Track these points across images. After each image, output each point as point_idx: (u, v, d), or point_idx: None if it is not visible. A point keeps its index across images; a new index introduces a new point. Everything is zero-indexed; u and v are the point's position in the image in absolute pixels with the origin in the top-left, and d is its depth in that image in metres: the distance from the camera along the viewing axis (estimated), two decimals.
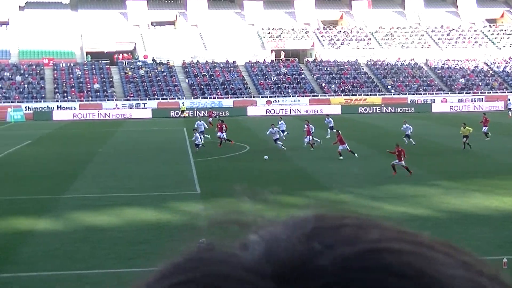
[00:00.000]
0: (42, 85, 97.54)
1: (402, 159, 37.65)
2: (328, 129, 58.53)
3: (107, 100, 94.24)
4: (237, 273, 0.90)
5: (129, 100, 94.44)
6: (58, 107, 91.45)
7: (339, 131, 45.88)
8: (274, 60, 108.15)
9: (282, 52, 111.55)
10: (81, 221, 27.80)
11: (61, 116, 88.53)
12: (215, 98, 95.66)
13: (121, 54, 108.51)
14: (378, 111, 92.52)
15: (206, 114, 75.33)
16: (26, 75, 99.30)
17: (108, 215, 28.80)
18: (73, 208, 30.18)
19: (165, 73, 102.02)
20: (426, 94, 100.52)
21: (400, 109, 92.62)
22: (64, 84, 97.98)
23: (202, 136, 51.47)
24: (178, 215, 28.75)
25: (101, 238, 24.88)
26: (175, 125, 74.86)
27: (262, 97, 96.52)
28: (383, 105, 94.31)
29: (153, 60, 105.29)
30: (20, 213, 29.11)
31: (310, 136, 50.80)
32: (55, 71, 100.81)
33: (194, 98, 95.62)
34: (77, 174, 40.01)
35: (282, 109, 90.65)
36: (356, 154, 43.95)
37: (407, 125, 52.35)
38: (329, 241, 0.89)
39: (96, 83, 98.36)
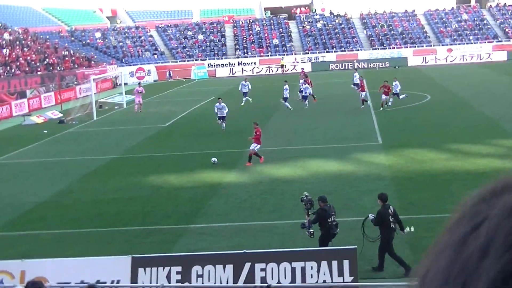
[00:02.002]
0: (223, 42, 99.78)
1: None
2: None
3: (286, 55, 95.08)
4: None
5: (308, 53, 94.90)
6: (238, 63, 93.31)
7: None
8: (455, 7, 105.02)
9: None
10: (267, 173, 28.57)
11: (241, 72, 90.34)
12: (393, 48, 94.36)
13: (298, 8, 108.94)
14: None
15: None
16: (208, 33, 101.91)
17: (292, 167, 29.41)
18: (258, 161, 30.97)
19: (343, 25, 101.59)
20: None
21: None
22: (244, 40, 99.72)
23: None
24: (361, 166, 28.94)
25: (286, 189, 25.49)
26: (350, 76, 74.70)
27: (442, 45, 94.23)
28: None
29: (331, 12, 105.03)
30: (210, 167, 30.31)
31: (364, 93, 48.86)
32: (235, 28, 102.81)
33: (372, 49, 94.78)
34: (261, 128, 40.92)
35: (463, 56, 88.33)
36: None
37: None
38: None
39: (275, 38, 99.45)
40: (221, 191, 25.97)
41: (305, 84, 50.93)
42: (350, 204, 22.90)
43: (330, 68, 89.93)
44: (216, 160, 30.55)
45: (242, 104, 51.65)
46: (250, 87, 53.49)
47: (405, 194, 23.74)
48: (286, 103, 48.41)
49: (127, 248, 19.08)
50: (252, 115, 44.99)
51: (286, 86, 49.63)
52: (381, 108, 45.42)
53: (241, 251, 16.48)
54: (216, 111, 41.48)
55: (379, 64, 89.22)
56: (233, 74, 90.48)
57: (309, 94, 50.56)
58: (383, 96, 46.05)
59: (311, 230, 17.70)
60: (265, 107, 50.16)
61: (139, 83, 60.44)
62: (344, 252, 16.39)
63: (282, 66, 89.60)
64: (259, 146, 30.52)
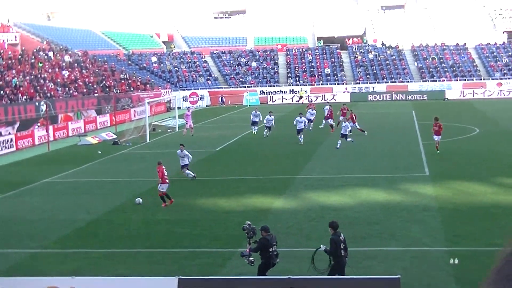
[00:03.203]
0: (276, 70, 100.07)
1: None
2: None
3: (337, 84, 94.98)
4: None
5: (359, 83, 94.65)
6: (290, 91, 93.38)
7: None
8: (506, 42, 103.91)
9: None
10: (316, 200, 28.39)
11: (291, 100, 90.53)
12: (443, 80, 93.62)
13: (351, 39, 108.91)
14: None
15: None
16: (261, 61, 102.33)
17: (341, 195, 29.21)
18: (307, 188, 30.87)
19: (394, 57, 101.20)
20: None
21: None
22: (296, 69, 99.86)
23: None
24: (408, 196, 28.62)
25: (335, 217, 25.25)
26: (403, 107, 74.27)
27: (492, 79, 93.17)
28: None
29: (382, 44, 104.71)
30: (260, 192, 30.26)
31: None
32: (288, 56, 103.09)
33: (423, 81, 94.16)
34: (311, 155, 40.84)
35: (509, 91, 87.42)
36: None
37: None
38: None
39: (327, 67, 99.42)
40: (270, 216, 25.85)
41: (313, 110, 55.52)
42: (396, 234, 22.60)
43: (368, 99, 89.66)
44: (140, 200, 28.64)
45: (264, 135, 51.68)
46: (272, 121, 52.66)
47: (451, 226, 23.38)
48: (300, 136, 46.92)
49: (175, 269, 19.06)
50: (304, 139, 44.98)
51: (299, 118, 47.97)
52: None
53: (286, 277, 16.33)
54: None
55: (416, 96, 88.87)
56: (283, 101, 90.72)
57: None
58: (435, 137, 40.89)
59: (251, 259, 17.72)
60: (315, 133, 50.04)
61: (188, 108, 60.68)
62: (388, 282, 16.18)
63: (300, 97, 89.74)
64: (166, 185, 28.60)
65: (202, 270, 19.14)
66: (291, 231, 23.58)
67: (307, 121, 51.50)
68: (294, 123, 47.64)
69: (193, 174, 34.20)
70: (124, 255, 21.37)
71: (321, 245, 17.54)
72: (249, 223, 18.36)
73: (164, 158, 42.37)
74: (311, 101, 57.90)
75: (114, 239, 23.31)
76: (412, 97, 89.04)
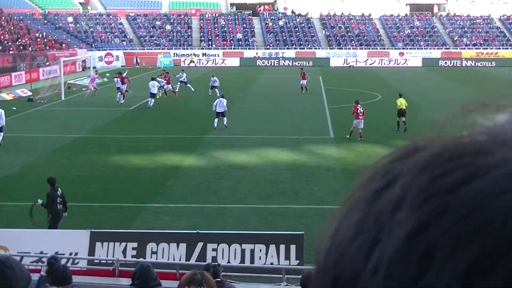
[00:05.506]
0: (189, 34, 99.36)
1: None
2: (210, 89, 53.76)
3: (249, 49, 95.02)
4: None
5: (269, 49, 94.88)
6: (203, 54, 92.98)
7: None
8: (408, 14, 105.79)
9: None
10: (225, 159, 28.52)
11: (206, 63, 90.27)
12: (349, 49, 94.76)
13: (262, 6, 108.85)
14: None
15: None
16: (175, 24, 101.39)
17: (249, 154, 29.41)
18: (217, 147, 30.97)
19: (303, 25, 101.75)
20: None
21: None
22: (209, 33, 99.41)
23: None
24: (313, 157, 29.02)
25: (243, 176, 25.48)
26: (310, 73, 74.95)
27: (395, 49, 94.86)
28: None
29: (292, 11, 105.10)
30: (170, 150, 30.20)
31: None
32: (201, 21, 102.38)
33: (330, 49, 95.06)
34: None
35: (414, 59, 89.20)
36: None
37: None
38: None
39: (239, 32, 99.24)
40: (180, 174, 25.86)
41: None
42: (300, 193, 22.93)
43: (257, 64, 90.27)
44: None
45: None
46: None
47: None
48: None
49: (86, 223, 18.90)
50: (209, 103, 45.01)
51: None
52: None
53: (195, 231, 16.44)
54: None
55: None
56: (196, 65, 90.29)
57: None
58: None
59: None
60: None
61: (96, 71, 58.62)
62: (292, 237, 16.45)
63: (191, 61, 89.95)
64: None
65: (113, 224, 19.04)
66: (201, 188, 23.65)
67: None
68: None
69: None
70: (37, 209, 21.01)
71: (38, 200, 18.03)
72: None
73: (78, 116, 41.89)
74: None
75: (28, 194, 22.86)
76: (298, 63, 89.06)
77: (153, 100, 45.35)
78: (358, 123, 33.02)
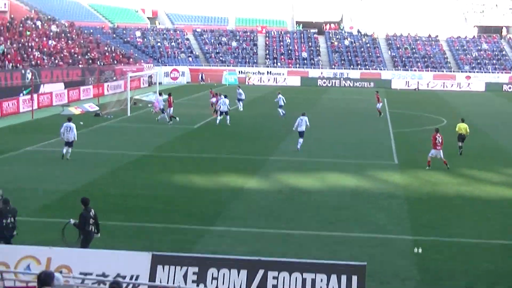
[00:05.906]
0: (255, 51, 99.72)
1: None
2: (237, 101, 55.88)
3: (313, 68, 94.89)
4: None
5: (334, 68, 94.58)
6: (268, 72, 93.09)
7: None
8: (476, 36, 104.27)
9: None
10: (287, 182, 28.33)
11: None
12: (415, 70, 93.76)
13: (328, 24, 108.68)
14: None
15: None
16: (241, 41, 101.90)
17: (312, 178, 29.19)
18: (280, 170, 30.82)
19: (368, 44, 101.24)
20: None
21: None
22: (274, 51, 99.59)
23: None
24: (376, 183, 28.65)
25: (306, 200, 25.27)
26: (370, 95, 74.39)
27: (461, 71, 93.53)
28: None
29: (358, 31, 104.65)
30: (234, 171, 30.16)
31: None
32: (267, 38, 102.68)
33: (395, 70, 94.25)
34: (285, 137, 40.74)
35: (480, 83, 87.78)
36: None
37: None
38: None
39: (304, 51, 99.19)
40: (243, 196, 25.77)
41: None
42: (363, 220, 22.61)
43: (318, 84, 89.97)
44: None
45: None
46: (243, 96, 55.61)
47: (416, 214, 23.44)
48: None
49: (148, 244, 18.97)
50: (278, 122, 44.85)
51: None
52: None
53: (256, 258, 16.29)
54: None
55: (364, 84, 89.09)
56: (262, 82, 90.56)
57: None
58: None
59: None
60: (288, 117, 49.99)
61: (161, 94, 54.65)
62: (354, 267, 16.18)
63: (248, 79, 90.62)
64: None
65: (175, 246, 19.03)
66: (263, 212, 23.50)
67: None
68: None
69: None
70: (101, 227, 21.19)
71: (71, 219, 17.98)
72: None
73: (143, 133, 42.29)
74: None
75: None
76: (360, 84, 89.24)
77: (220, 117, 45.48)
78: (436, 153, 31.66)
